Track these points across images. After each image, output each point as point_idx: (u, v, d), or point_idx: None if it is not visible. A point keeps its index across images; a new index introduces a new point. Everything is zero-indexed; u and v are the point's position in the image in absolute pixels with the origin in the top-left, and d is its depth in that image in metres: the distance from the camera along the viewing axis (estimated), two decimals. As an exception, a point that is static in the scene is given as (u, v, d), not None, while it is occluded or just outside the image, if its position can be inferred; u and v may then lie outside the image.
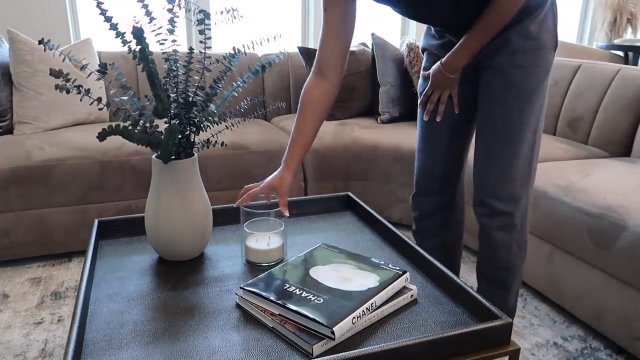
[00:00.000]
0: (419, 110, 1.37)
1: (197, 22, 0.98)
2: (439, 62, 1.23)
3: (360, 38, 3.41)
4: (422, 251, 1.06)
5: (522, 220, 1.26)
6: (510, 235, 1.26)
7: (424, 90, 1.32)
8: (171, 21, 1.00)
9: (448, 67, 1.21)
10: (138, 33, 0.90)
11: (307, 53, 2.57)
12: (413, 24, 3.38)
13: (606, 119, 2.09)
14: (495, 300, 1.33)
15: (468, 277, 1.90)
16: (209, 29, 1.00)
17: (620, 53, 3.49)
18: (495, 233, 1.26)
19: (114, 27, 0.96)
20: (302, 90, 1.20)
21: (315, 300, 0.84)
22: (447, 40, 1.26)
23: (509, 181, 1.22)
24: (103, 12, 0.96)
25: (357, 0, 1.15)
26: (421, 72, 1.35)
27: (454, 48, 1.18)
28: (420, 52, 1.38)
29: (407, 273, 0.94)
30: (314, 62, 1.19)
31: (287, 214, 1.12)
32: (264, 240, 1.06)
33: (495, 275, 1.31)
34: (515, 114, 1.18)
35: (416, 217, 1.47)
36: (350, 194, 1.39)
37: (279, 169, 1.20)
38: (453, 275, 0.95)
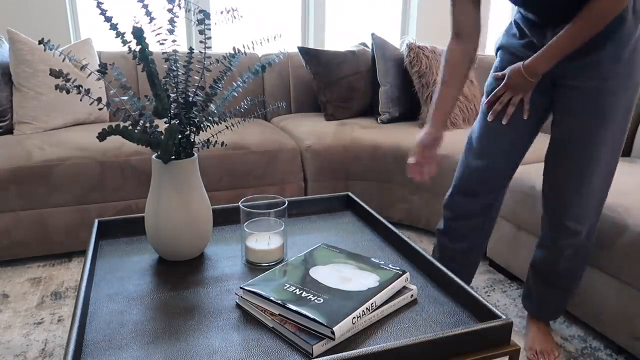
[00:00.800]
0: (483, 108, 1.34)
1: (197, 22, 0.98)
2: (520, 63, 1.21)
3: (360, 38, 3.41)
4: (422, 251, 1.06)
5: (590, 233, 1.32)
6: (577, 249, 1.32)
7: (492, 90, 1.31)
8: (171, 21, 1.00)
9: (530, 70, 1.19)
10: (138, 33, 0.90)
11: (307, 53, 2.57)
12: (413, 24, 3.38)
13: (606, 119, 2.09)
14: (555, 300, 1.41)
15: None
16: (209, 29, 1.00)
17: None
18: (566, 250, 1.32)
19: (114, 27, 0.96)
20: (445, 52, 1.26)
21: (315, 300, 0.84)
22: (529, 41, 1.24)
23: (588, 201, 1.24)
24: (103, 12, 0.96)
25: None
26: (491, 71, 1.34)
27: (541, 50, 1.16)
28: (494, 51, 1.37)
29: (407, 273, 0.94)
30: (451, 26, 1.25)
31: (431, 171, 1.25)
32: (264, 240, 1.06)
33: (557, 282, 1.38)
34: (598, 138, 1.18)
35: (449, 217, 1.44)
36: (350, 194, 1.39)
37: (424, 129, 1.27)
38: (453, 275, 0.95)
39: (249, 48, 1.11)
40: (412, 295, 0.93)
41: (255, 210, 1.07)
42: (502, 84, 1.27)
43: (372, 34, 2.57)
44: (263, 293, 0.86)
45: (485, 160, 1.34)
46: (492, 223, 1.46)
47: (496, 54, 1.36)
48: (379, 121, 2.53)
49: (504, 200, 1.53)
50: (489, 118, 1.31)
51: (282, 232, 1.07)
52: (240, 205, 1.07)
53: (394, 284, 0.91)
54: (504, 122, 1.29)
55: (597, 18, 1.05)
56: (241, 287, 0.90)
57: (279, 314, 0.84)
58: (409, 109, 2.58)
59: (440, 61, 1.26)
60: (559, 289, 1.40)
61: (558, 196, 1.27)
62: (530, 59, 1.18)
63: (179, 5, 0.99)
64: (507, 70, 1.25)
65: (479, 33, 1.24)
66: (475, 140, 1.36)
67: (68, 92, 0.88)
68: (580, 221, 1.27)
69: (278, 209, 1.07)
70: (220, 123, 1.20)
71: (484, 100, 1.35)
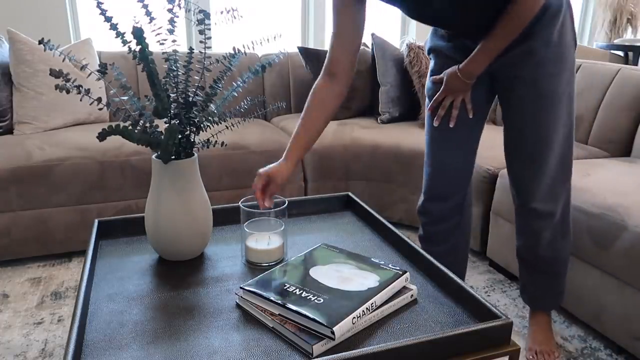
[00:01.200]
0: (427, 114, 1.36)
1: (197, 22, 0.98)
2: (455, 67, 1.23)
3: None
4: (422, 251, 1.06)
5: (563, 214, 1.33)
6: (554, 231, 1.33)
7: (433, 94, 1.31)
8: (171, 21, 1.00)
9: (466, 73, 1.21)
10: (138, 33, 0.90)
11: (307, 53, 2.57)
12: (413, 23, 3.38)
13: (606, 119, 2.09)
14: (546, 287, 1.41)
15: (469, 276, 1.90)
16: (209, 29, 1.00)
17: (620, 53, 3.49)
18: (542, 232, 1.33)
19: (114, 27, 0.96)
20: (312, 89, 1.20)
21: (315, 300, 0.84)
22: (459, 42, 1.25)
23: (548, 182, 1.27)
24: (103, 12, 0.96)
25: (367, 2, 1.16)
26: (429, 75, 1.35)
27: (473, 53, 1.17)
28: (427, 53, 1.38)
29: (407, 273, 0.94)
30: (324, 64, 1.19)
31: (267, 204, 1.09)
32: (264, 240, 1.06)
33: (544, 267, 1.38)
34: (548, 121, 1.21)
35: (425, 222, 1.44)
36: (350, 194, 1.39)
37: (278, 161, 1.17)
38: (453, 275, 0.95)
39: (249, 48, 1.11)
40: (412, 295, 0.93)
41: (256, 210, 1.07)
42: (441, 89, 1.28)
43: (372, 34, 2.57)
44: (263, 293, 0.86)
45: (443, 164, 1.36)
46: (468, 219, 1.47)
47: (429, 55, 1.37)
48: (379, 121, 2.52)
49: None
50: (435, 123, 1.32)
51: (282, 232, 1.07)
52: (241, 205, 1.07)
53: (394, 284, 0.91)
54: (451, 125, 1.30)
55: (520, 18, 1.07)
56: (241, 287, 0.90)
57: (279, 314, 0.84)
58: (409, 109, 2.58)
59: (308, 97, 1.20)
60: (547, 274, 1.40)
61: (521, 182, 1.30)
62: (464, 62, 1.20)
63: (179, 5, 0.99)
64: (443, 75, 1.27)
65: (352, 76, 1.19)
66: (428, 147, 1.38)
67: (68, 92, 0.88)
68: (547, 201, 1.29)
69: (278, 208, 1.07)
70: (220, 123, 1.20)
71: (427, 105, 1.36)
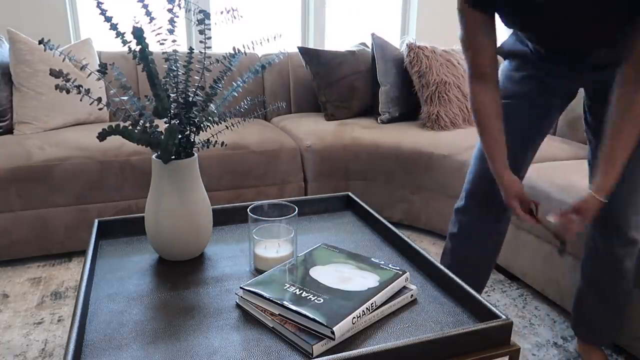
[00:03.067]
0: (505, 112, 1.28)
1: (197, 22, 0.98)
2: (588, 194, 1.09)
3: (360, 38, 3.41)
4: (422, 251, 1.06)
5: None
6: (632, 262, 1.22)
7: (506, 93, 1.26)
8: (171, 21, 1.00)
9: (605, 193, 1.08)
10: (138, 33, 0.90)
11: (307, 53, 2.57)
12: (413, 24, 3.38)
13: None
14: (612, 322, 1.33)
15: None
16: (209, 29, 1.00)
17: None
18: (623, 261, 1.21)
19: (114, 27, 0.96)
20: (471, 100, 1.19)
21: (315, 300, 0.84)
22: (550, 65, 1.20)
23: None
24: (103, 12, 0.96)
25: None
26: (503, 76, 1.28)
27: (603, 169, 1.06)
28: (504, 56, 1.30)
29: (407, 273, 0.94)
30: (468, 69, 1.17)
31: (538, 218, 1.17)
32: (273, 247, 1.04)
33: (617, 299, 1.28)
34: None
35: (463, 221, 1.38)
36: (350, 194, 1.39)
37: (500, 183, 1.20)
38: (453, 275, 0.95)
39: (249, 48, 1.11)
40: (412, 295, 0.93)
41: (264, 218, 1.04)
42: (579, 219, 1.11)
43: (372, 34, 2.57)
44: (263, 293, 0.86)
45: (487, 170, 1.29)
46: (503, 230, 1.40)
47: (505, 59, 1.31)
48: (379, 121, 2.53)
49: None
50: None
51: (291, 239, 1.05)
52: (249, 213, 1.04)
53: (394, 284, 0.91)
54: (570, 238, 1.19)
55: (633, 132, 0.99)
56: (241, 287, 0.90)
57: (279, 314, 0.84)
58: (409, 109, 2.58)
59: (470, 107, 1.19)
60: (616, 306, 1.31)
61: (614, 203, 1.16)
62: (597, 183, 1.08)
63: (179, 5, 0.99)
64: (579, 205, 1.12)
65: (497, 65, 1.17)
66: (477, 152, 1.34)
67: (68, 92, 0.88)
68: (635, 226, 1.17)
69: (289, 216, 1.04)
70: (220, 123, 1.20)
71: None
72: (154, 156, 1.03)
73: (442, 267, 0.98)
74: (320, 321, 0.78)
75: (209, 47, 1.01)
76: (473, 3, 1.08)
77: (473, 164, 1.37)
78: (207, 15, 0.98)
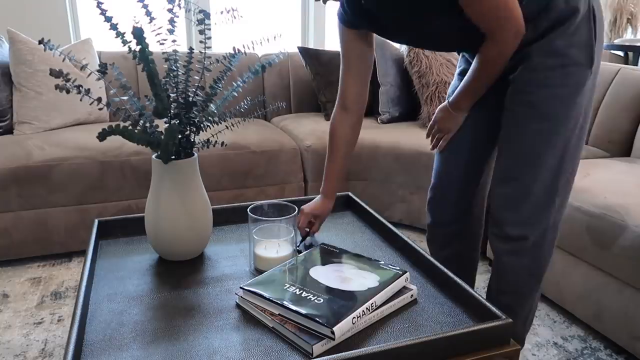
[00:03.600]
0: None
1: (197, 22, 0.98)
2: (445, 102, 1.22)
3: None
4: (422, 251, 1.06)
5: (536, 247, 1.14)
6: (520, 261, 1.16)
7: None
8: (171, 21, 1.00)
9: (455, 106, 1.20)
10: (138, 33, 0.90)
11: (307, 53, 2.57)
12: (413, 24, 3.38)
13: (606, 119, 2.10)
14: (514, 318, 1.23)
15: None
16: (209, 29, 1.00)
17: (620, 53, 3.49)
18: (505, 257, 1.17)
19: (114, 27, 0.96)
20: (330, 125, 1.26)
21: (315, 300, 0.84)
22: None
23: (524, 206, 1.11)
24: (103, 12, 0.96)
25: (372, 35, 1.19)
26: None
27: (460, 86, 1.16)
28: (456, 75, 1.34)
29: (407, 273, 0.94)
30: (337, 97, 1.25)
31: (317, 240, 1.21)
32: (273, 247, 1.04)
33: (501, 299, 1.21)
34: (535, 136, 1.07)
35: (429, 224, 1.39)
36: (350, 194, 1.39)
37: (318, 197, 1.26)
38: (453, 275, 0.95)
39: (249, 48, 1.11)
40: (412, 295, 0.93)
41: (264, 218, 1.04)
42: (431, 122, 1.28)
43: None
44: (263, 293, 0.86)
45: (449, 167, 1.31)
46: (476, 228, 1.38)
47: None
48: (379, 121, 2.52)
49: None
50: (434, 150, 1.33)
51: (291, 239, 1.05)
52: (249, 213, 1.04)
53: (394, 284, 0.91)
54: (434, 151, 1.31)
55: (497, 58, 1.04)
56: (241, 287, 0.90)
57: (279, 314, 0.84)
58: (409, 109, 2.58)
59: (329, 133, 1.28)
60: (507, 313, 1.22)
61: (494, 194, 1.17)
62: (453, 96, 1.19)
63: (179, 5, 0.99)
64: (437, 111, 1.26)
65: (364, 105, 1.25)
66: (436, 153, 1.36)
67: (68, 92, 0.88)
68: (515, 223, 1.13)
69: (289, 216, 1.04)
70: (220, 123, 1.20)
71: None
72: (154, 156, 1.03)
73: (442, 267, 0.98)
74: (320, 321, 0.78)
75: (209, 47, 1.01)
76: (345, 23, 1.17)
77: (435, 162, 1.36)
78: (207, 15, 0.98)
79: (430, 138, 1.32)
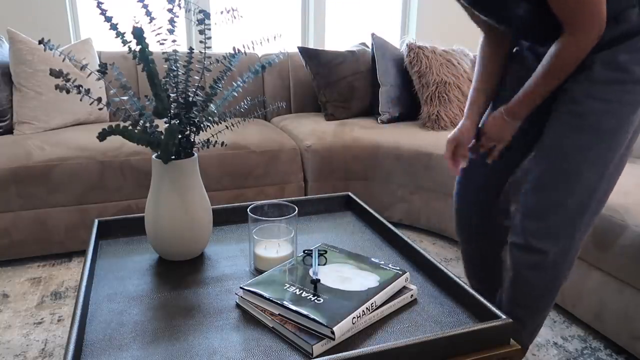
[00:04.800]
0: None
1: (197, 22, 0.98)
2: (501, 108, 1.14)
3: (360, 38, 3.41)
4: (422, 251, 1.06)
5: (556, 263, 1.11)
6: (539, 276, 1.12)
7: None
8: (171, 21, 1.00)
9: (511, 113, 1.12)
10: (138, 33, 0.90)
11: (307, 53, 2.57)
12: (413, 24, 3.38)
13: (606, 119, 2.09)
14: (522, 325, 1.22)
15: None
16: (209, 29, 1.00)
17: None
18: (524, 270, 1.13)
19: (114, 27, 0.96)
20: (478, 51, 1.24)
21: (315, 300, 0.84)
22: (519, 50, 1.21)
23: (553, 217, 1.08)
24: (103, 12, 0.96)
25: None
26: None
27: (520, 93, 1.09)
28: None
29: (407, 273, 0.94)
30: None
31: (462, 166, 1.21)
32: (273, 247, 1.04)
33: (514, 311, 1.19)
34: (578, 148, 1.03)
35: (457, 208, 1.38)
36: (350, 194, 1.39)
37: (460, 123, 1.23)
38: (453, 275, 0.95)
39: (249, 48, 1.11)
40: (412, 295, 0.93)
41: (264, 218, 1.04)
42: (483, 138, 1.20)
43: (372, 34, 2.57)
44: (263, 293, 0.86)
45: (476, 166, 1.29)
46: (497, 229, 1.35)
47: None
48: (379, 121, 2.52)
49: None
50: (455, 173, 1.28)
51: (291, 239, 1.05)
52: (249, 213, 1.04)
53: (394, 284, 0.91)
54: (489, 161, 1.24)
55: (562, 65, 1.00)
56: (241, 287, 0.90)
57: (279, 314, 0.84)
58: (409, 109, 2.58)
59: (477, 57, 1.24)
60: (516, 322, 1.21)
61: (523, 202, 1.14)
62: (510, 102, 1.12)
63: (179, 5, 0.99)
64: (487, 118, 1.18)
65: (505, 38, 1.20)
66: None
67: (68, 92, 0.88)
68: (539, 235, 1.10)
69: (289, 216, 1.04)
70: (220, 123, 1.20)
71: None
72: (154, 156, 1.03)
73: (442, 267, 0.98)
74: (320, 321, 0.78)
75: (209, 47, 1.01)
76: None
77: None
78: (207, 15, 0.98)
79: (455, 154, 1.23)
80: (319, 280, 0.90)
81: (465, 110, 1.23)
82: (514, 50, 1.25)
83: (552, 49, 1.01)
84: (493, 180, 1.30)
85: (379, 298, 0.87)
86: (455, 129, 1.22)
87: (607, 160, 1.04)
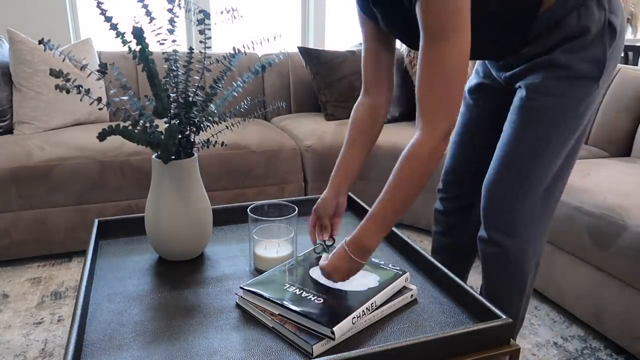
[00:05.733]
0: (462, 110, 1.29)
1: (197, 22, 0.98)
2: (342, 242, 0.89)
3: (360, 38, 3.41)
4: (422, 251, 1.06)
5: (519, 255, 1.12)
6: (503, 267, 1.14)
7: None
8: (171, 21, 1.00)
9: (357, 248, 0.87)
10: (138, 33, 0.90)
11: (307, 53, 2.57)
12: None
13: (606, 119, 2.09)
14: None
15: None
16: (209, 29, 1.00)
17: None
18: (489, 261, 1.16)
19: (114, 27, 0.96)
20: (352, 112, 1.18)
21: (315, 300, 0.84)
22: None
23: (509, 213, 1.09)
24: (103, 12, 0.96)
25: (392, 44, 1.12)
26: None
27: (364, 221, 0.88)
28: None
29: (407, 273, 0.94)
30: (362, 81, 1.17)
31: (327, 240, 1.08)
32: (273, 247, 1.04)
33: (488, 300, 1.22)
34: (530, 142, 1.06)
35: (438, 208, 1.40)
36: (350, 193, 1.39)
37: (325, 192, 1.12)
38: (453, 275, 0.95)
39: (249, 48, 1.11)
40: (412, 295, 0.93)
41: (264, 218, 1.04)
42: (323, 272, 0.92)
43: (372, 34, 2.56)
44: (263, 293, 0.86)
45: (463, 152, 1.31)
46: (476, 224, 1.35)
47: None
48: (379, 121, 2.52)
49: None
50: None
51: (291, 239, 1.05)
52: (249, 213, 1.04)
53: (394, 284, 0.91)
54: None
55: (407, 183, 0.88)
56: (241, 287, 0.90)
57: (279, 314, 0.84)
58: (409, 109, 2.58)
59: (349, 122, 1.16)
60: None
61: (484, 195, 1.15)
62: (353, 234, 0.89)
63: (179, 5, 0.99)
64: (323, 262, 0.92)
65: (389, 89, 1.14)
66: (456, 133, 1.33)
67: (68, 92, 0.88)
68: (498, 228, 1.12)
69: (289, 216, 1.03)
70: (220, 123, 1.20)
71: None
72: (154, 156, 1.03)
73: (442, 267, 0.98)
74: (320, 321, 0.78)
75: (209, 47, 1.01)
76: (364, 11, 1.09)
77: (450, 146, 1.35)
78: (207, 15, 0.98)
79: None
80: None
81: (330, 179, 1.13)
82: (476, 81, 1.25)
83: (405, 154, 0.93)
84: (481, 165, 1.28)
85: (379, 298, 0.87)
86: (319, 200, 1.12)
87: (556, 153, 1.06)
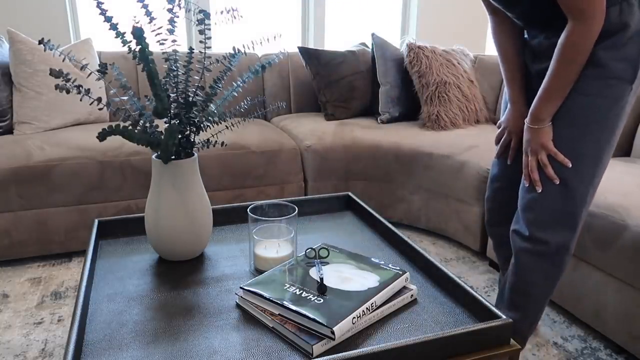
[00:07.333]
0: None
1: (197, 22, 0.98)
2: (526, 120, 1.15)
3: (360, 38, 3.41)
4: (422, 251, 1.06)
5: (558, 253, 1.16)
6: (539, 263, 1.17)
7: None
8: (171, 21, 1.00)
9: (535, 118, 1.12)
10: (138, 33, 0.90)
11: (307, 53, 2.57)
12: (413, 24, 3.38)
13: (606, 119, 2.09)
14: (518, 316, 1.26)
15: (469, 276, 1.90)
16: (209, 29, 1.00)
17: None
18: (524, 257, 1.19)
19: (114, 27, 0.96)
20: (493, 38, 1.26)
21: (315, 300, 0.84)
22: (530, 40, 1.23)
23: (550, 210, 1.13)
24: (103, 12, 0.96)
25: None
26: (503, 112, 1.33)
27: (538, 95, 1.10)
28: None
29: (407, 273, 0.94)
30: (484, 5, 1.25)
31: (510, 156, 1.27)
32: (273, 247, 1.04)
33: (513, 297, 1.23)
34: (565, 142, 1.10)
35: (489, 208, 1.44)
36: (350, 194, 1.39)
37: (507, 109, 1.28)
38: (453, 275, 0.95)
39: (249, 48, 1.11)
40: (412, 295, 0.93)
41: (264, 218, 1.04)
42: (510, 139, 1.28)
43: (372, 34, 2.57)
44: (263, 293, 0.87)
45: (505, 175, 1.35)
46: None
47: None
48: (379, 121, 2.52)
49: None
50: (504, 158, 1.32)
51: (291, 239, 1.05)
52: (249, 213, 1.04)
53: (394, 284, 0.91)
54: (509, 161, 1.30)
55: (572, 52, 1.02)
56: (241, 287, 0.90)
57: (279, 314, 0.84)
58: (409, 109, 2.58)
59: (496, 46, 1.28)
60: (514, 311, 1.27)
61: (525, 191, 1.19)
62: (532, 108, 1.12)
63: (179, 5, 0.99)
64: (507, 124, 1.27)
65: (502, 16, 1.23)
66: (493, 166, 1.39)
67: (68, 92, 0.88)
68: (540, 225, 1.15)
69: (289, 216, 1.04)
70: (220, 123, 1.20)
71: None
72: (154, 156, 1.03)
73: (442, 267, 0.98)
74: (320, 321, 0.78)
75: (209, 47, 1.01)
76: None
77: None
78: (207, 15, 0.98)
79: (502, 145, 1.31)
80: (322, 280, 0.90)
81: (508, 96, 1.26)
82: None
83: (560, 40, 1.04)
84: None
85: (379, 298, 0.87)
86: (504, 117, 1.28)
87: (594, 150, 1.09)
